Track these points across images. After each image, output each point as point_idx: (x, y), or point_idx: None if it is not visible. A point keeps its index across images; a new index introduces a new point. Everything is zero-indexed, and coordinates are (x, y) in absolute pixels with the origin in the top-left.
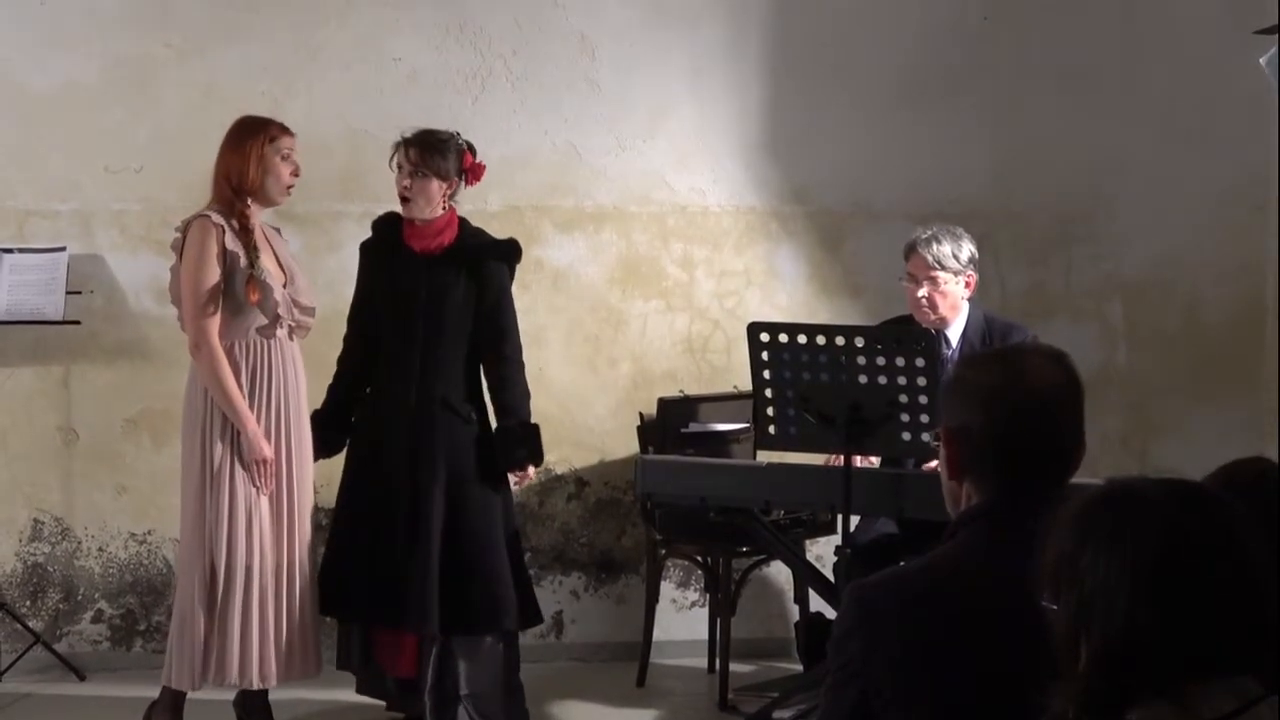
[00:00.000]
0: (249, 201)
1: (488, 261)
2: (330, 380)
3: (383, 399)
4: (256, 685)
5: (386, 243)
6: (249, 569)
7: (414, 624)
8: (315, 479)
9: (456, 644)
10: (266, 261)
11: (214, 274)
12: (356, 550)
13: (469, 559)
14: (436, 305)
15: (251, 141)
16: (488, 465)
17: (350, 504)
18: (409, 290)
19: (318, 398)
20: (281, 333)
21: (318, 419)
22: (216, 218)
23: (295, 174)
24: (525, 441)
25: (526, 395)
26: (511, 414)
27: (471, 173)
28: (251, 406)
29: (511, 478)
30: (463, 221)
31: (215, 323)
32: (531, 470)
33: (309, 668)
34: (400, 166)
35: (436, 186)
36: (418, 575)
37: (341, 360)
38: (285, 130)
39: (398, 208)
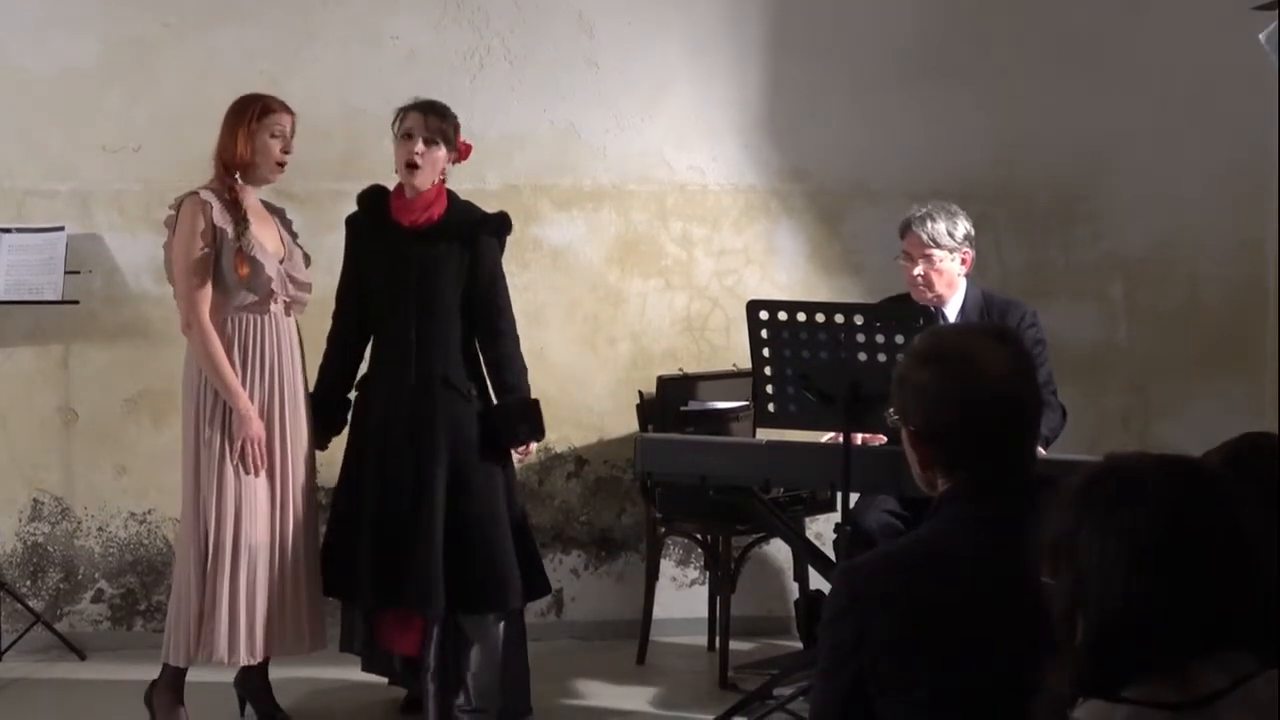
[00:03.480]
0: (238, 178)
1: (481, 236)
2: (322, 360)
3: (380, 378)
4: (244, 661)
5: (373, 217)
6: (239, 546)
7: (418, 604)
8: (318, 458)
9: (462, 623)
10: (263, 237)
11: (200, 249)
12: (360, 532)
13: (473, 537)
14: (429, 280)
15: (239, 120)
16: (489, 442)
17: (352, 485)
18: (400, 265)
19: (314, 378)
20: (276, 308)
21: (317, 400)
22: (205, 194)
23: (285, 150)
24: (526, 417)
25: (524, 370)
26: (511, 390)
27: (461, 151)
28: (244, 383)
29: (514, 454)
30: (450, 194)
31: (206, 299)
32: (533, 446)
33: (302, 645)
34: (409, 134)
35: (443, 156)
36: (421, 555)
37: (332, 340)
38: (276, 107)
39: (391, 186)
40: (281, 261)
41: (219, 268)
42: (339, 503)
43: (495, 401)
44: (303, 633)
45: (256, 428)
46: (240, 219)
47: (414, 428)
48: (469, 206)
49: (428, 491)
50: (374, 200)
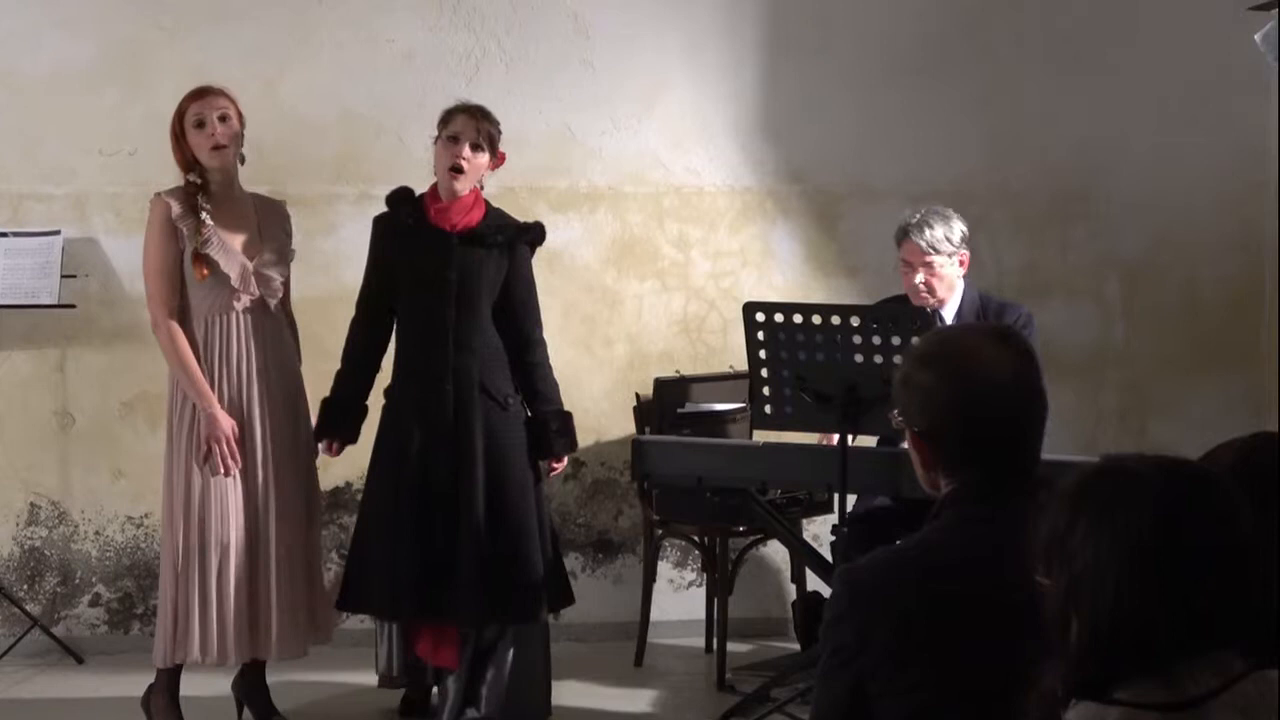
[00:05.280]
0: (194, 178)
1: (520, 245)
2: (340, 364)
3: (413, 384)
4: (218, 662)
5: (406, 218)
6: (206, 547)
7: (463, 619)
8: (328, 462)
9: (491, 634)
10: (229, 234)
11: (164, 250)
12: (399, 543)
13: (510, 550)
14: (469, 285)
15: (173, 122)
16: (524, 452)
17: (387, 496)
18: (439, 269)
19: (315, 380)
20: (240, 306)
21: (335, 406)
22: (167, 195)
23: (214, 132)
24: (564, 430)
25: (556, 381)
26: (547, 401)
27: (499, 158)
28: (213, 383)
29: (543, 465)
30: (486, 199)
31: (170, 299)
32: (564, 459)
33: (296, 647)
34: (456, 137)
35: (486, 161)
36: (464, 568)
37: (354, 345)
38: (192, 98)
39: (392, 188)
40: (253, 259)
41: (184, 268)
42: (370, 514)
43: (532, 412)
44: (296, 634)
45: (224, 427)
46: (195, 221)
47: (454, 436)
48: (503, 213)
49: (468, 503)
50: (406, 201)
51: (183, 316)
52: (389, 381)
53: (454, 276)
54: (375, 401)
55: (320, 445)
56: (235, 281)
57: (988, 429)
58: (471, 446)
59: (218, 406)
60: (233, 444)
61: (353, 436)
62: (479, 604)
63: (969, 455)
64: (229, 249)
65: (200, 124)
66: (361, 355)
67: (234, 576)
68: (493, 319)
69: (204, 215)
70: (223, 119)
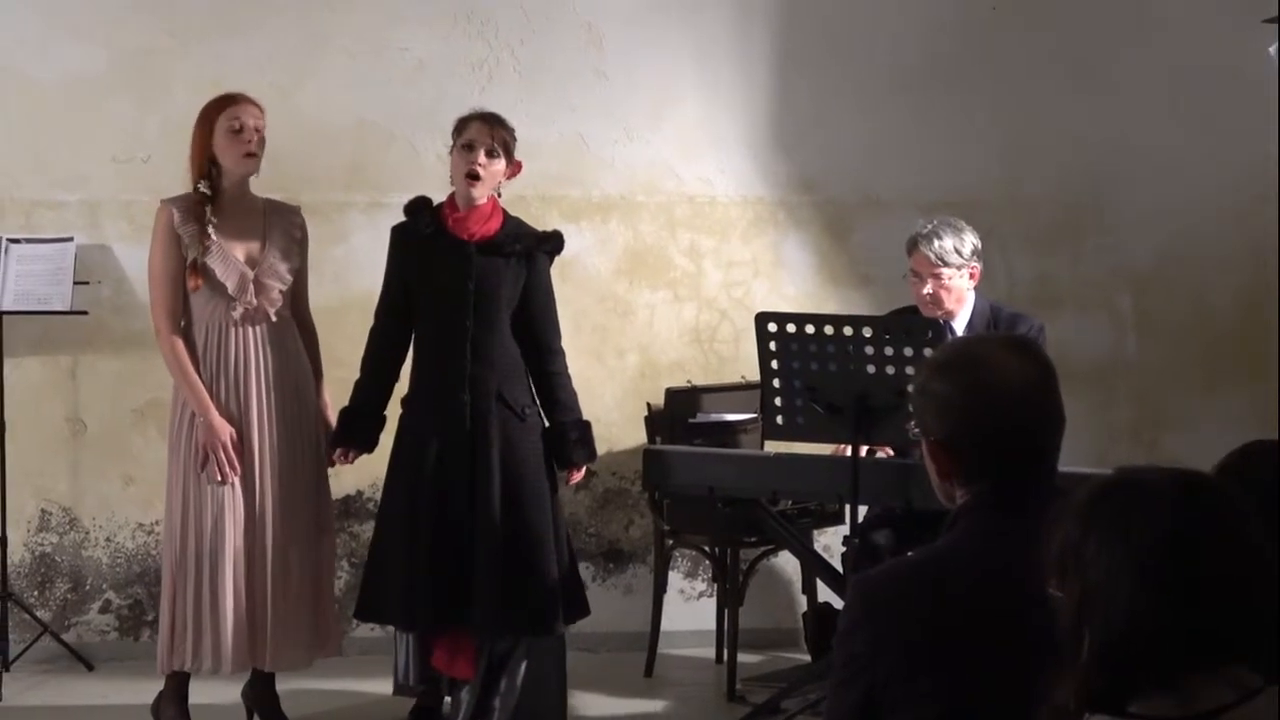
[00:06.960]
0: (204, 186)
1: (538, 254)
2: (359, 373)
3: (431, 395)
4: (212, 670)
5: (424, 227)
6: (200, 554)
7: (482, 629)
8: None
9: (505, 645)
10: (232, 243)
11: (167, 258)
12: (415, 554)
13: (526, 561)
14: (488, 295)
15: (198, 125)
16: (542, 463)
17: (405, 507)
18: (458, 279)
19: (328, 387)
20: (237, 314)
21: (354, 414)
22: (170, 202)
23: (250, 140)
24: (583, 440)
25: (574, 390)
26: (567, 410)
27: (515, 167)
28: (212, 391)
29: (561, 474)
30: (504, 208)
31: (171, 307)
32: (582, 469)
33: (299, 656)
34: (471, 145)
35: (502, 168)
36: (482, 578)
37: (372, 354)
38: (231, 101)
39: (404, 197)
40: (254, 268)
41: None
42: (387, 524)
43: (546, 420)
44: (295, 645)
45: (221, 435)
46: (196, 231)
47: (471, 447)
48: (521, 222)
49: (485, 514)
50: (423, 210)
51: (186, 324)
52: (406, 391)
53: (472, 286)
54: (393, 411)
55: (335, 454)
56: (233, 290)
57: (1004, 439)
58: (488, 457)
59: (215, 414)
60: (231, 452)
61: (370, 445)
62: (495, 615)
63: (985, 465)
64: (229, 257)
65: (239, 129)
66: (380, 364)
67: (231, 585)
68: (511, 329)
69: (208, 226)
70: (256, 129)
